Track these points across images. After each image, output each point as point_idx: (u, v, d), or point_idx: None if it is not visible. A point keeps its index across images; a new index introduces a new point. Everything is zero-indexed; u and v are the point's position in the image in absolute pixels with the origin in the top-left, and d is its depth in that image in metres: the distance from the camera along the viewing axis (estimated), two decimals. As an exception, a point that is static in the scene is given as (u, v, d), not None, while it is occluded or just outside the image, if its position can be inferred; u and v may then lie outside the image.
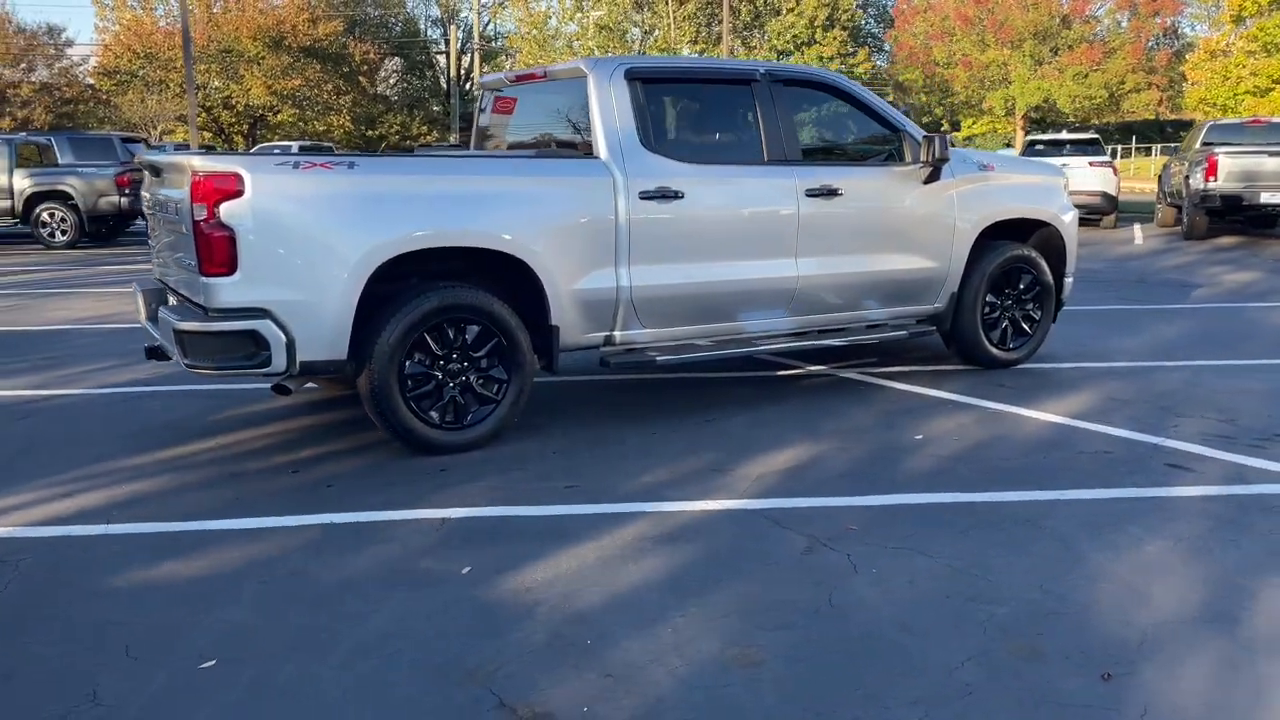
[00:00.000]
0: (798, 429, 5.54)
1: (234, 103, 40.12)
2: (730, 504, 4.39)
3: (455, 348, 5.12)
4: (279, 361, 4.72)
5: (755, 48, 36.81)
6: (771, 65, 6.30)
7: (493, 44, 49.52)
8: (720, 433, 5.52)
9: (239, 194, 4.57)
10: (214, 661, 3.05)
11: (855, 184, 6.16)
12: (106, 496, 4.58)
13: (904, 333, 6.50)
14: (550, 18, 36.48)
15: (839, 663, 3.04)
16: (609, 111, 5.49)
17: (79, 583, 3.65)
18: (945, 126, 43.57)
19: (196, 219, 4.59)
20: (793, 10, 35.81)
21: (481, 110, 6.86)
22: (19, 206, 17.02)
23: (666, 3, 34.71)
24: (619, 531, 4.09)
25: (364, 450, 5.22)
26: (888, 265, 6.29)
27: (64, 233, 17.03)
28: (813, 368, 7.10)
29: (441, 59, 53.56)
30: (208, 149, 19.61)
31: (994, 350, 6.87)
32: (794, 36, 38.32)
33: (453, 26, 46.70)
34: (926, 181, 6.35)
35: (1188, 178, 16.44)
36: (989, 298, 6.79)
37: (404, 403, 5.01)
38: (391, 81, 55.50)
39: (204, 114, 40.73)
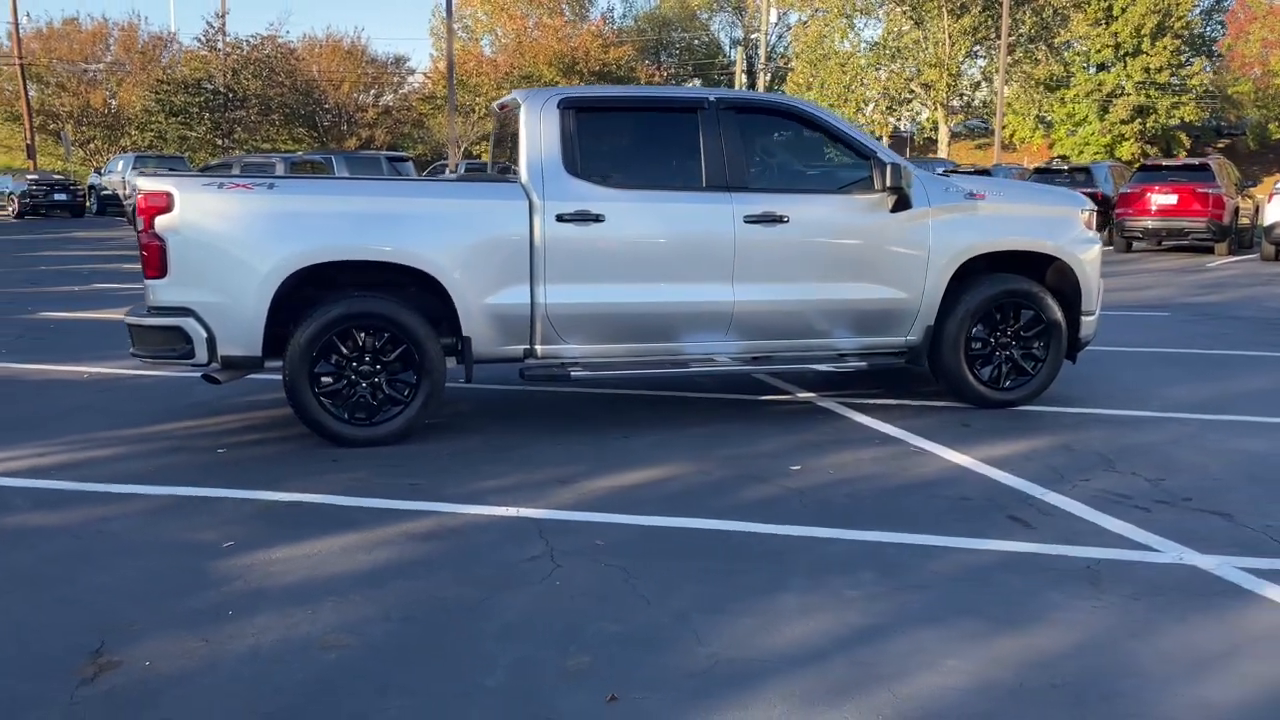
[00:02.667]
0: (694, 451, 5.61)
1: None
2: (522, 512, 4.63)
3: (366, 352, 5.65)
4: (201, 354, 5.48)
5: (1040, 61, 34.86)
6: (726, 93, 6.34)
7: (773, 64, 49.98)
8: (618, 449, 5.69)
9: (169, 209, 5.37)
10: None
11: (806, 211, 6.09)
12: (65, 458, 5.49)
13: (864, 363, 6.32)
14: (825, 37, 36.39)
15: (407, 654, 3.27)
16: (534, 139, 5.83)
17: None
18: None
19: (139, 230, 5.43)
20: (1115, 15, 33.44)
21: (495, 132, 7.38)
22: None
23: (942, 17, 33.63)
24: (389, 527, 4.45)
25: (296, 439, 5.86)
26: (844, 294, 6.16)
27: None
28: (802, 394, 7.03)
29: (742, 78, 54.72)
30: (477, 167, 21.44)
31: (982, 388, 6.50)
32: (1118, 45, 35.99)
33: (739, 48, 47.64)
34: (895, 209, 6.16)
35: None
36: (977, 332, 6.44)
37: (314, 399, 5.61)
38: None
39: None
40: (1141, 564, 4.01)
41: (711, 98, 6.13)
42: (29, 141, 41.37)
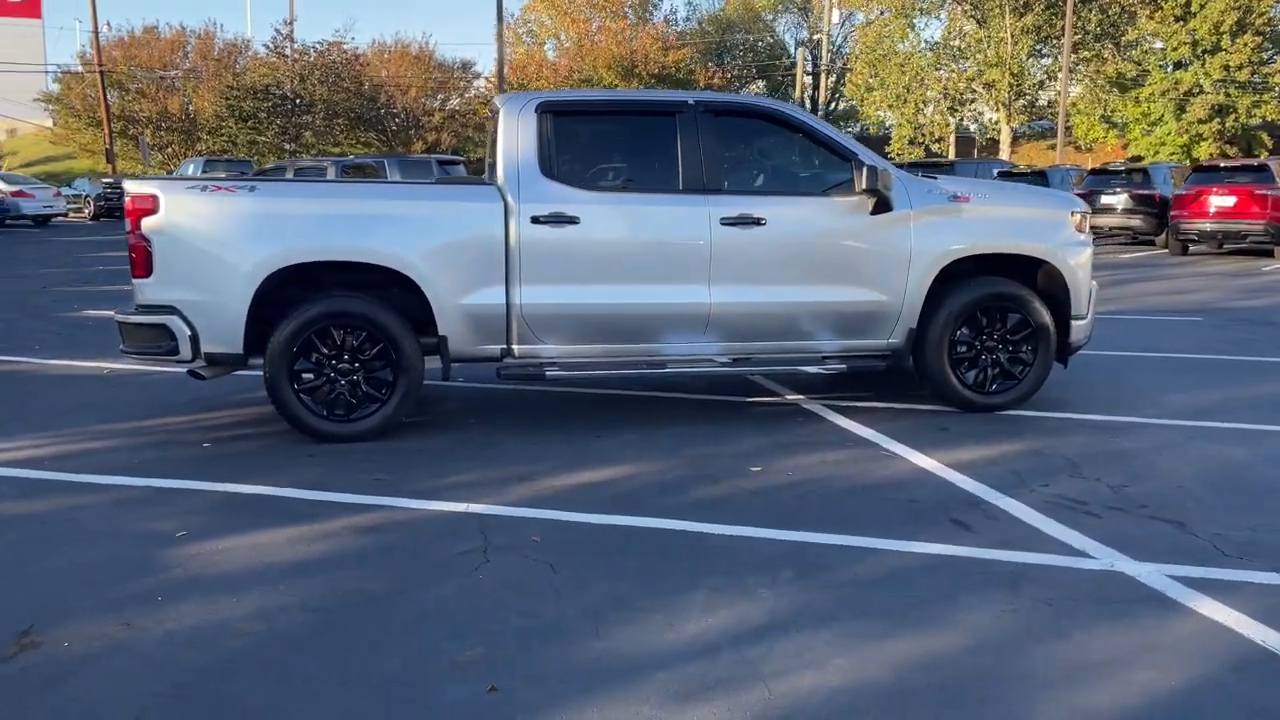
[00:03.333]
0: (663, 451, 5.66)
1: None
2: (471, 508, 4.72)
3: (344, 350, 5.81)
4: (185, 351, 5.68)
5: (1107, 59, 34.06)
6: (706, 96, 6.38)
7: (835, 64, 49.59)
8: (589, 448, 5.76)
9: (154, 211, 5.58)
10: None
11: (783, 213, 6.10)
12: (61, 450, 5.74)
13: (843, 366, 6.31)
14: (884, 37, 36.02)
15: (310, 642, 3.38)
16: (511, 142, 5.94)
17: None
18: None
19: (127, 231, 5.66)
20: (1194, 12, 32.56)
21: (489, 135, 7.49)
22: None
23: (1004, 16, 33.06)
24: (338, 520, 4.57)
25: (279, 435, 6.03)
26: (823, 297, 6.15)
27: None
28: (790, 396, 7.03)
29: (804, 79, 54.44)
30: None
31: (967, 392, 6.44)
32: (1195, 42, 35.09)
33: (801, 49, 47.36)
34: (875, 212, 6.14)
35: None
36: (962, 335, 6.38)
37: (294, 395, 5.78)
38: (756, 102, 57.18)
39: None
40: (1069, 570, 3.96)
41: (690, 101, 6.18)
42: (108, 146, 42.87)
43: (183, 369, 6.05)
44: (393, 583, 3.88)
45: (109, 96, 43.12)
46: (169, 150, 47.29)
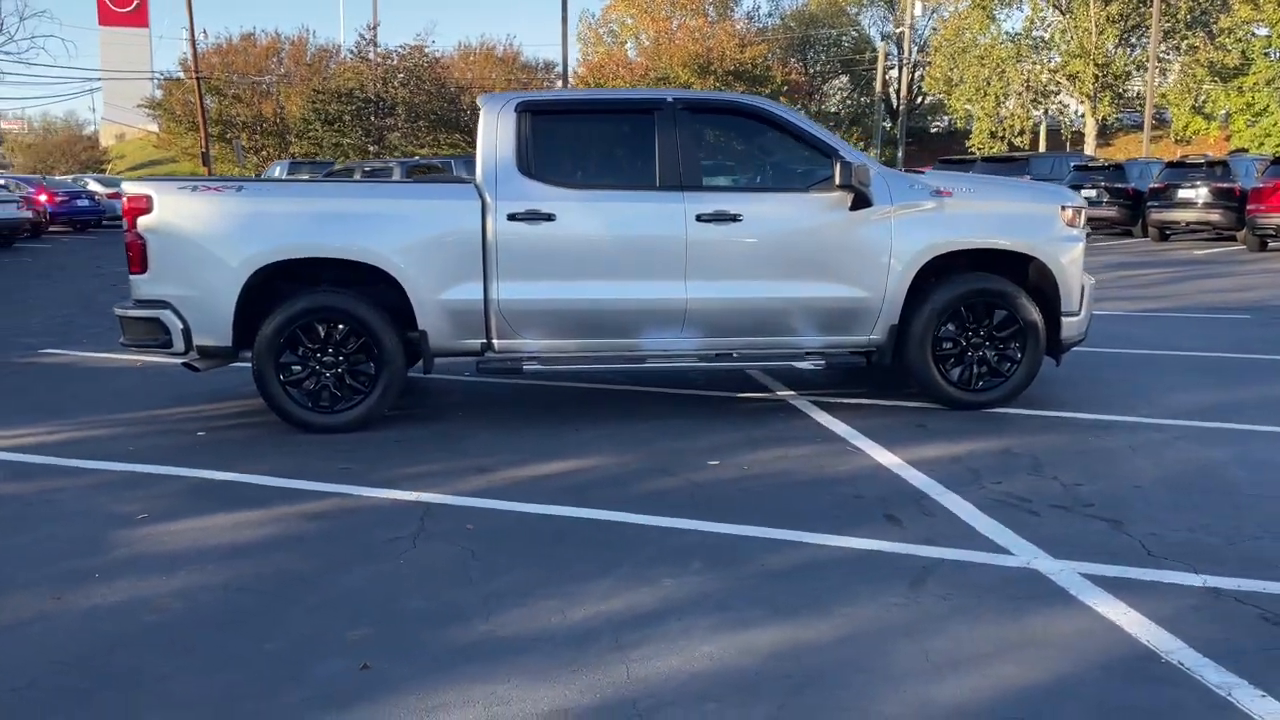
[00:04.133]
0: (632, 444, 5.74)
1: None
2: (422, 496, 4.88)
3: (329, 344, 6.02)
4: (178, 344, 5.97)
5: (1199, 48, 32.80)
6: (685, 94, 6.42)
7: (916, 58, 48.74)
8: (560, 440, 5.88)
9: (149, 210, 5.87)
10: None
11: (760, 210, 6.12)
12: (69, 436, 6.09)
13: (823, 362, 6.30)
14: (964, 30, 35.31)
15: (218, 620, 3.56)
16: (490, 141, 6.08)
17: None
18: None
19: (125, 229, 5.96)
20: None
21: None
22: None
23: (1088, 5, 32.11)
24: (292, 506, 4.77)
25: (273, 425, 6.26)
26: (801, 292, 6.16)
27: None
28: (781, 392, 7.04)
29: (885, 73, 53.71)
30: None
31: (952, 390, 6.37)
32: None
33: (882, 44, 46.64)
34: (854, 208, 6.12)
35: None
36: (947, 332, 6.32)
37: (281, 387, 6.02)
38: (839, 98, 56.79)
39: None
40: (982, 566, 3.94)
41: (669, 99, 6.24)
42: (204, 150, 44.48)
43: (178, 361, 6.32)
44: (318, 566, 4.05)
45: (206, 102, 44.73)
46: (264, 153, 48.86)
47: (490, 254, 5.99)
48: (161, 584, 3.88)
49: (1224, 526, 4.31)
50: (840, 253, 6.16)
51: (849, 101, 55.60)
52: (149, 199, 5.87)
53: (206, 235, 5.90)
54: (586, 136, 6.40)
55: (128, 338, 6.14)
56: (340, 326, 6.00)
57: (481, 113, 6.19)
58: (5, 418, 6.52)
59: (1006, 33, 33.68)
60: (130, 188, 5.98)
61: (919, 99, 52.86)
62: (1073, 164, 24.76)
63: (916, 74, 46.94)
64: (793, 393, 6.99)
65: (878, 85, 46.72)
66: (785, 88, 44.69)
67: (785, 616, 3.51)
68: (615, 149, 6.34)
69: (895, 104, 50.83)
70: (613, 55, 49.07)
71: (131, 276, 5.99)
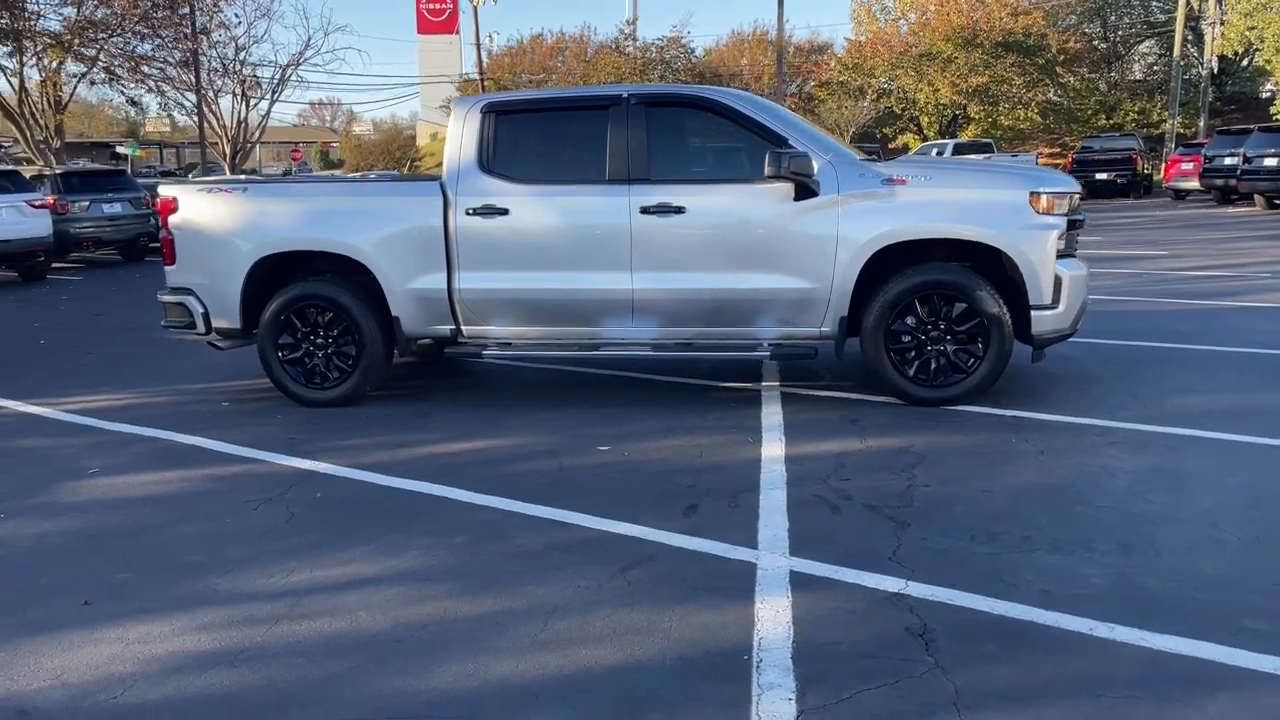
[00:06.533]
0: (564, 428, 6.01)
1: (924, 104, 41.96)
2: (318, 466, 5.42)
3: (318, 327, 6.74)
4: (200, 326, 6.90)
5: None
6: (640, 88, 6.52)
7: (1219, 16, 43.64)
8: (503, 421, 6.24)
9: (176, 209, 6.82)
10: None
11: (704, 201, 6.19)
12: (120, 403, 7.18)
13: (767, 354, 6.27)
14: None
15: (41, 558, 4.28)
16: (456, 140, 6.55)
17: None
18: None
19: (161, 227, 6.95)
20: None
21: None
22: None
23: None
24: (209, 469, 5.46)
25: (285, 399, 7.05)
26: (745, 284, 6.17)
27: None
28: (766, 383, 7.01)
29: (1180, 34, 48.75)
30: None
31: (906, 384, 6.15)
32: None
33: (1182, 3, 42.13)
34: (798, 198, 6.07)
35: None
36: (904, 325, 6.11)
37: (279, 364, 6.81)
38: (1147, 64, 52.31)
39: (903, 113, 43.54)
40: (705, 556, 3.98)
41: (624, 94, 6.42)
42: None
43: (203, 340, 7.24)
44: (170, 519, 4.68)
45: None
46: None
47: (452, 246, 6.45)
48: (43, 525, 4.66)
49: (1010, 537, 4.05)
50: (784, 243, 6.11)
51: (1156, 68, 50.98)
52: (175, 200, 6.81)
53: (217, 231, 6.75)
54: (546, 134, 6.67)
55: (167, 320, 7.13)
56: (327, 313, 6.68)
57: (451, 114, 6.65)
58: (92, 383, 7.74)
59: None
60: (162, 190, 6.95)
61: (1244, 60, 47.61)
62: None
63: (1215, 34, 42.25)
64: (776, 383, 6.95)
65: (1175, 49, 42.41)
66: (1062, 57, 41.74)
67: (465, 591, 3.75)
68: (571, 145, 6.58)
69: (1209, 67, 45.99)
70: (882, 34, 47.78)
71: (165, 268, 6.97)
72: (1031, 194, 5.95)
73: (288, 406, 6.79)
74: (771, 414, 6.14)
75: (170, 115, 45.45)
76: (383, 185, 7.19)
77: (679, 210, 6.16)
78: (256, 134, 39.38)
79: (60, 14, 28.32)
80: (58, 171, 19.36)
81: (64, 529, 4.61)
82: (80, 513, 4.83)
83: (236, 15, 36.92)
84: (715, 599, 3.58)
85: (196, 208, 6.80)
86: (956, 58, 39.73)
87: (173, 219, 6.84)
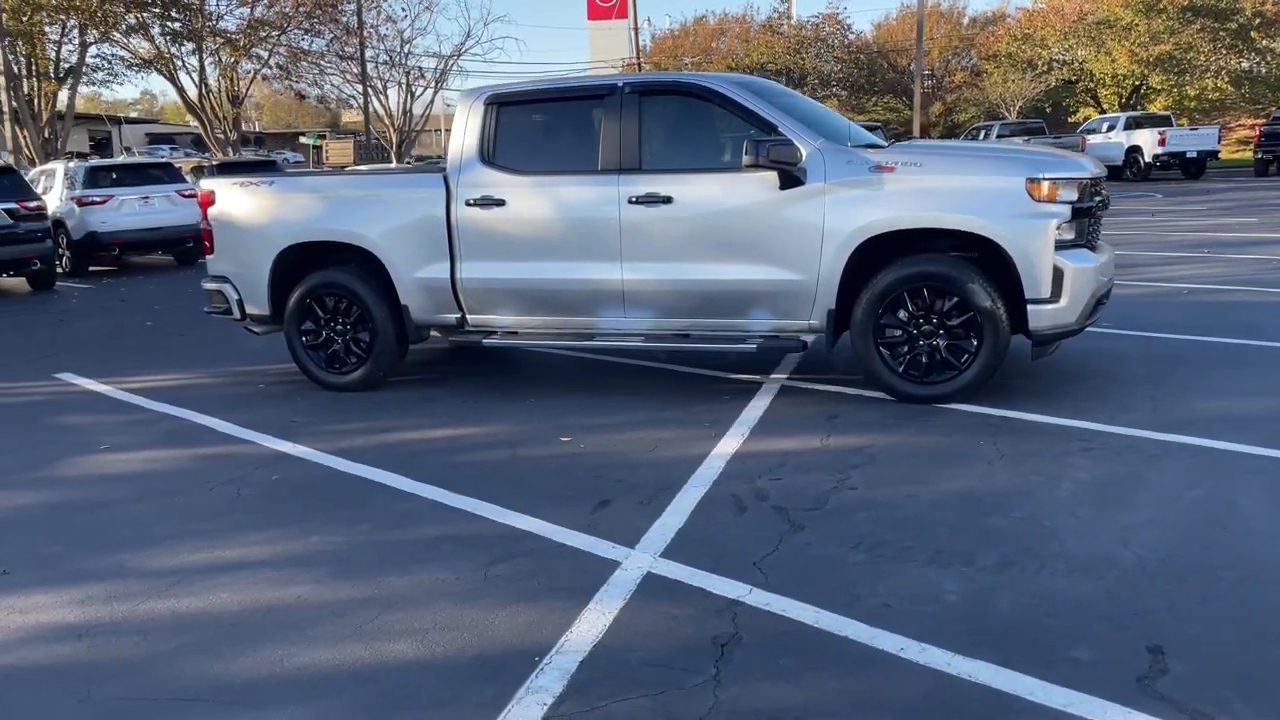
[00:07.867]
0: (547, 417, 6.07)
1: (1100, 75, 39.58)
2: (296, 449, 5.67)
3: (337, 314, 7.04)
4: (235, 312, 7.33)
5: None
6: (635, 77, 6.45)
7: None
8: (481, 411, 6.36)
9: (213, 203, 7.25)
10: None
11: (692, 191, 6.11)
12: (179, 383, 7.70)
13: (753, 346, 6.13)
14: None
15: (14, 521, 4.69)
16: (459, 133, 6.69)
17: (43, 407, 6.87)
18: None
19: (202, 218, 7.41)
20: None
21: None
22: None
23: None
24: (209, 448, 5.80)
25: (310, 384, 7.40)
26: (734, 275, 6.07)
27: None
28: (775, 375, 6.87)
29: None
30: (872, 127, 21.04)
31: (897, 381, 5.92)
32: None
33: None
34: (784, 187, 5.92)
35: None
36: (893, 319, 5.88)
37: (303, 349, 7.16)
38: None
39: (1078, 85, 41.22)
40: (575, 552, 3.99)
41: (620, 84, 6.40)
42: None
43: (239, 325, 7.65)
44: (136, 495, 5.03)
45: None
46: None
47: (454, 236, 6.60)
48: (23, 498, 5.09)
49: (894, 546, 3.87)
50: (769, 234, 5.97)
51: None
52: (213, 193, 7.23)
53: (248, 222, 7.14)
54: (545, 125, 6.72)
55: (210, 306, 7.59)
56: (344, 300, 6.96)
57: (458, 106, 6.79)
58: (169, 364, 8.31)
59: None
60: (204, 184, 7.38)
61: None
62: None
63: None
64: (784, 376, 6.81)
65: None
66: (1258, 20, 38.53)
67: (331, 577, 3.89)
68: (567, 136, 6.59)
69: None
70: (1056, 1, 45.36)
71: (206, 257, 7.41)
72: (1029, 180, 5.59)
73: (311, 391, 7.11)
74: (755, 408, 6.02)
75: (359, 106, 47.96)
76: (391, 178, 7.41)
77: (666, 200, 6.10)
78: (421, 123, 40.98)
79: (236, 15, 30.27)
80: (213, 164, 20.70)
81: (37, 502, 5.01)
82: (61, 487, 5.23)
83: (403, 9, 38.49)
84: (557, 599, 3.58)
85: (231, 201, 7.20)
86: (1136, 24, 37.31)
87: (211, 211, 7.26)
